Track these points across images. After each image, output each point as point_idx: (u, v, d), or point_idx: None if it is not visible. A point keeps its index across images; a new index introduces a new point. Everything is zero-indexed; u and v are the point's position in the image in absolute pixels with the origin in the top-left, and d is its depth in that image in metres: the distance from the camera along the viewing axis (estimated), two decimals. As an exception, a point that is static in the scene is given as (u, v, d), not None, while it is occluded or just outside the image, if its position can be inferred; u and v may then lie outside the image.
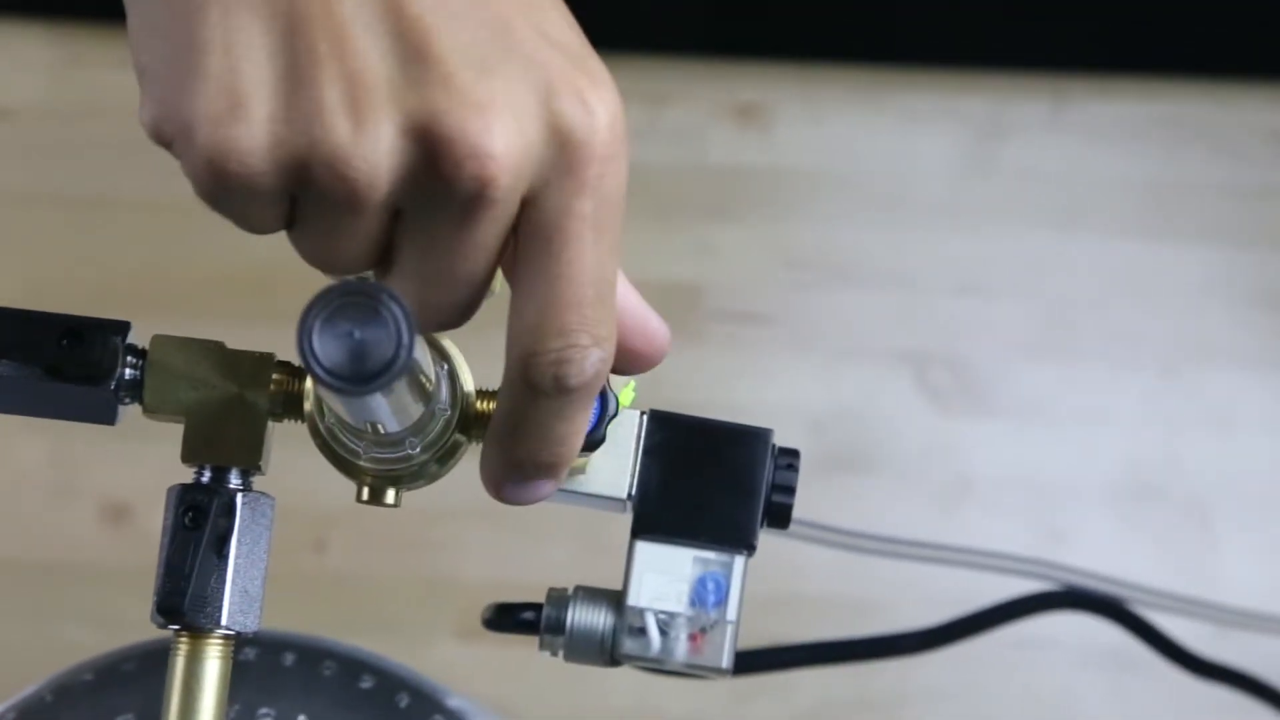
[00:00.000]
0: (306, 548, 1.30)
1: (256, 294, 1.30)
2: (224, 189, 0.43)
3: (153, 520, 1.29)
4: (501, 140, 0.43)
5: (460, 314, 0.47)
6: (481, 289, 0.46)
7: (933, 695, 1.30)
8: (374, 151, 0.42)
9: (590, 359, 0.46)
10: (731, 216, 1.41)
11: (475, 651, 1.28)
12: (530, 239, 0.45)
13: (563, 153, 0.44)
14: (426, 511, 1.31)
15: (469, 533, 1.31)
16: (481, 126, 0.42)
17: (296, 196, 0.44)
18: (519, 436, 0.49)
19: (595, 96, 0.44)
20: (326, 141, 0.42)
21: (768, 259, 1.40)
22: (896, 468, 1.35)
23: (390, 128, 0.42)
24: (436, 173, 0.43)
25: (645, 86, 1.42)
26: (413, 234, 0.45)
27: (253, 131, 0.42)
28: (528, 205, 0.45)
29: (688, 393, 1.31)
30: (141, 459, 1.28)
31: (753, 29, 1.46)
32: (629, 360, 0.52)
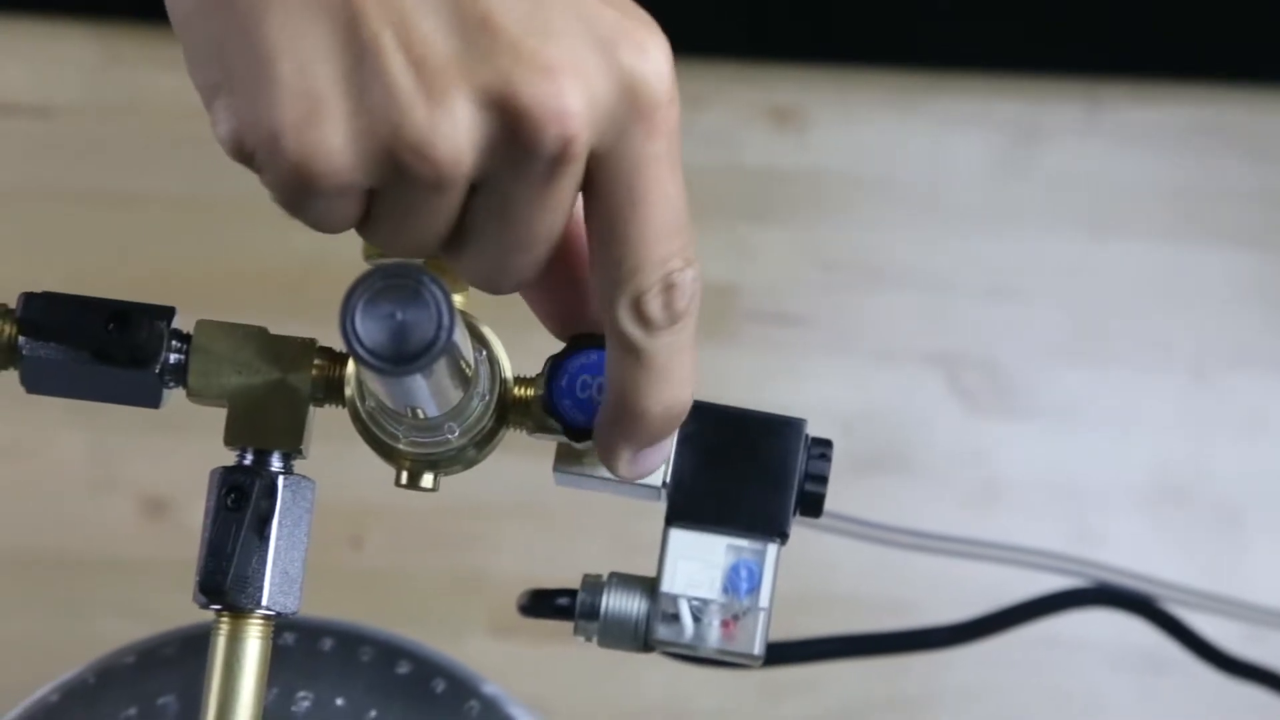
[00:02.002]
0: (343, 543, 1.31)
1: (292, 290, 1.32)
2: (311, 192, 0.44)
3: (191, 514, 1.31)
4: (575, 99, 0.44)
5: (539, 270, 0.48)
6: (557, 242, 0.47)
7: (963, 695, 1.31)
8: (454, 130, 0.43)
9: (689, 277, 0.48)
10: (766, 218, 1.41)
11: (507, 647, 1.28)
12: (611, 188, 0.46)
13: (633, 102, 0.45)
14: (462, 508, 1.32)
15: (503, 529, 1.32)
16: (555, 89, 0.43)
17: (376, 189, 0.45)
18: (645, 390, 0.50)
19: (652, 43, 0.46)
20: (406, 126, 0.43)
21: (802, 260, 1.40)
22: (928, 470, 1.36)
23: (466, 103, 0.43)
24: (518, 140, 0.44)
25: (681, 89, 1.42)
26: (491, 205, 0.46)
27: (336, 130, 0.43)
28: (602, 157, 0.46)
29: (721, 392, 1.31)
30: (180, 453, 1.29)
31: (788, 32, 1.47)
32: None
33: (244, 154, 0.45)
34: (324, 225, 0.46)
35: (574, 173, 0.45)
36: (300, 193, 0.44)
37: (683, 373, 0.50)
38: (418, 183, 0.44)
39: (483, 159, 0.44)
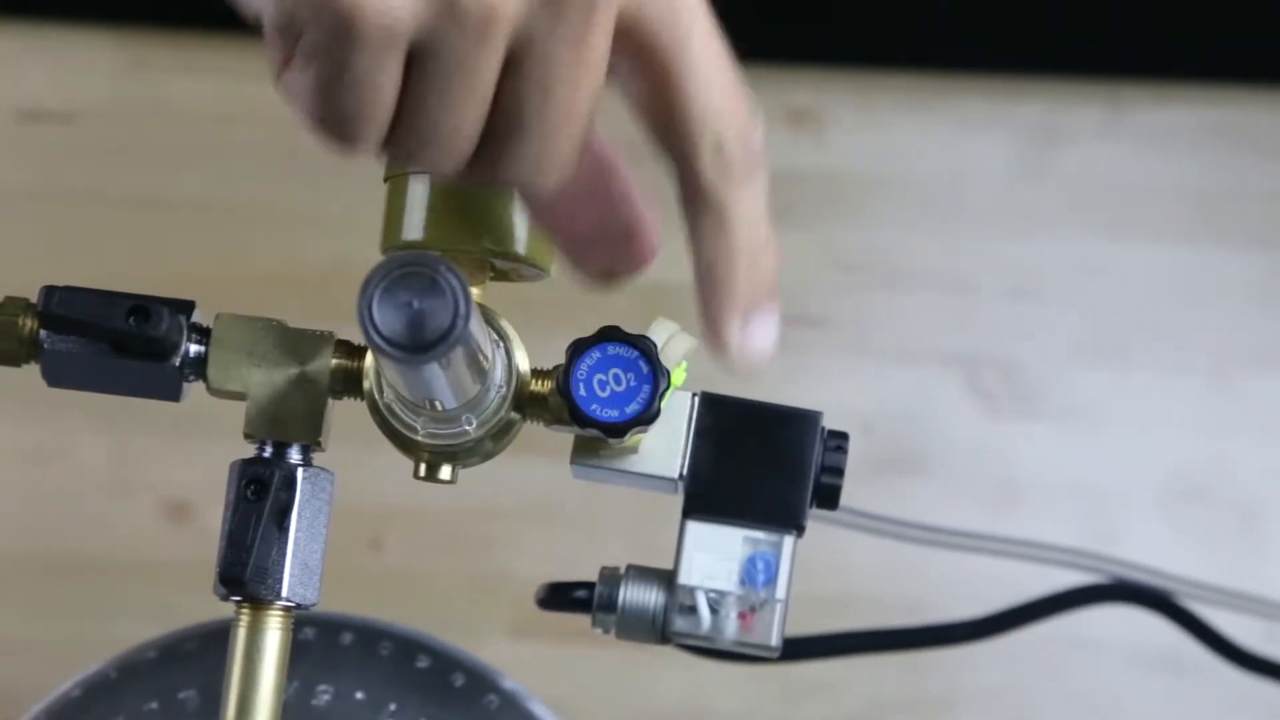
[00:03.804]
0: (363, 546, 1.31)
1: (314, 294, 1.32)
2: (359, 43, 0.43)
3: (212, 518, 1.31)
4: None
5: (578, 153, 0.48)
6: (592, 118, 0.47)
7: (983, 696, 1.31)
8: None
9: (760, 128, 0.50)
10: (785, 220, 1.41)
11: (527, 649, 1.29)
12: (657, 31, 0.48)
13: None
14: (481, 510, 1.33)
15: (522, 531, 1.32)
16: None
17: (419, 46, 0.44)
18: (739, 246, 0.51)
19: None
20: None
21: (820, 262, 1.40)
22: (947, 470, 1.36)
23: None
24: None
25: (699, 92, 1.42)
26: (531, 74, 0.46)
27: None
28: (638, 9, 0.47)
29: (739, 393, 1.31)
30: (201, 457, 1.30)
31: (806, 34, 1.47)
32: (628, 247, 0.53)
33: (284, 14, 0.44)
34: (359, 105, 0.45)
35: (609, 21, 0.45)
36: (347, 45, 0.44)
37: (767, 223, 0.51)
38: (468, 18, 0.44)
39: (523, 3, 0.44)
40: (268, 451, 0.55)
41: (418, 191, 0.54)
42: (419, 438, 0.53)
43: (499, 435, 0.55)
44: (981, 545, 0.77)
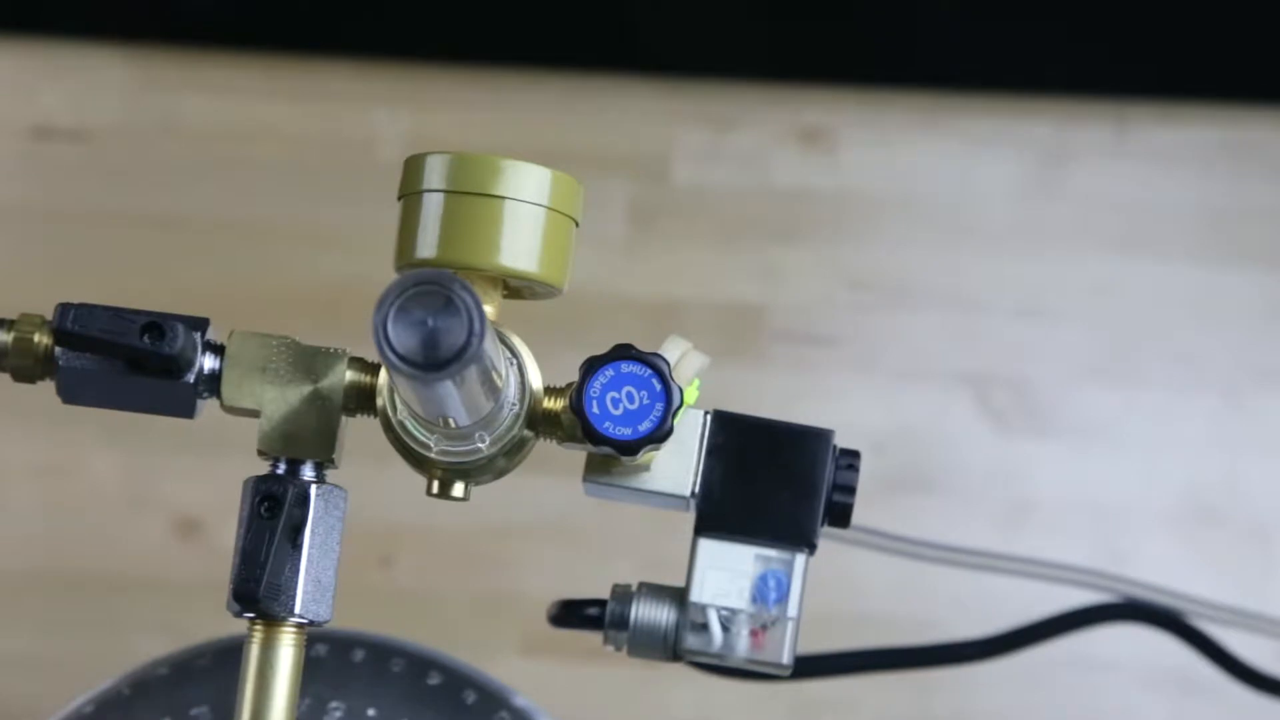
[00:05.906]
0: (373, 564, 1.32)
1: (326, 313, 1.32)
2: None
3: (224, 535, 1.31)
4: None
5: None
6: None
7: (993, 715, 1.30)
8: None
9: None
10: (795, 238, 1.42)
11: (538, 667, 1.29)
12: None
13: None
14: (492, 529, 1.33)
15: (534, 550, 1.32)
16: None
17: None
18: None
19: None
20: None
21: (831, 281, 1.41)
22: (958, 489, 1.36)
23: None
24: None
25: (710, 110, 1.43)
26: None
27: None
28: None
29: (751, 411, 1.31)
30: (213, 474, 1.30)
31: (817, 53, 1.47)
32: None
33: None
34: None
35: None
36: None
37: None
38: None
39: None
40: (281, 468, 0.55)
41: (432, 210, 0.54)
42: (432, 455, 0.53)
43: (512, 452, 0.55)
44: (992, 564, 0.77)
